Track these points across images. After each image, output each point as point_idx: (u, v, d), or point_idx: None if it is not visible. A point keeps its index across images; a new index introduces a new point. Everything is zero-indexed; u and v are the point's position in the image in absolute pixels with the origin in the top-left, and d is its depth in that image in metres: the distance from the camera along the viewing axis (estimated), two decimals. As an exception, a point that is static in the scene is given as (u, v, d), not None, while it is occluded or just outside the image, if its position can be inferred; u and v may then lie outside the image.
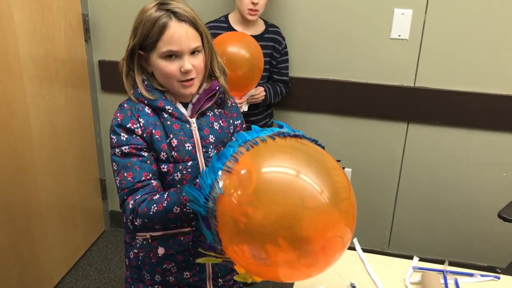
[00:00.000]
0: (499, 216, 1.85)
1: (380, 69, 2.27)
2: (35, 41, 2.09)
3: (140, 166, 1.24)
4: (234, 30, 2.11)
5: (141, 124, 1.25)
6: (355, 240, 1.49)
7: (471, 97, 2.22)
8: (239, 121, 1.44)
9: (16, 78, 2.00)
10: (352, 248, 1.48)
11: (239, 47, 1.93)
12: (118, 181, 1.25)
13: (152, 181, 1.24)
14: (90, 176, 2.68)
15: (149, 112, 1.27)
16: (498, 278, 1.37)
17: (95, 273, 2.53)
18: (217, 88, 1.34)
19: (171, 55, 1.23)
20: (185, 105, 1.32)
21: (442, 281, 1.34)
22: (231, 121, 1.41)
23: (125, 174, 1.23)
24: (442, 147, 2.34)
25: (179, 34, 1.22)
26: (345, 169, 2.44)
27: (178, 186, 1.29)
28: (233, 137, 1.03)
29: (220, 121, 1.36)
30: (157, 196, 1.19)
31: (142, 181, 1.23)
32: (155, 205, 1.17)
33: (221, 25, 2.13)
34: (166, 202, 1.16)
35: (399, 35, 2.20)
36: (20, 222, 2.12)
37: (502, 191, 2.31)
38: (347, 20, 2.23)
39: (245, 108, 2.04)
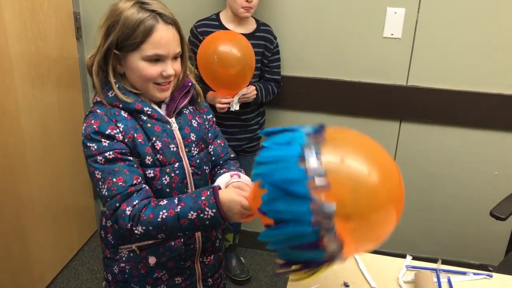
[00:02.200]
0: (491, 214, 1.85)
1: (372, 67, 2.27)
2: (26, 39, 2.07)
3: (129, 170, 1.16)
4: (225, 28, 2.10)
5: (121, 129, 1.18)
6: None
7: (463, 96, 2.22)
8: (211, 115, 1.43)
9: (7, 77, 1.98)
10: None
11: (231, 46, 1.92)
12: (105, 190, 1.14)
13: (144, 185, 1.18)
14: (82, 176, 2.65)
15: (126, 116, 1.20)
16: (491, 276, 1.38)
17: (87, 273, 2.51)
18: (190, 84, 1.32)
19: (155, 59, 1.19)
20: (158, 106, 1.29)
21: (435, 279, 1.34)
22: (204, 116, 1.39)
23: (114, 179, 1.14)
24: (434, 145, 2.35)
25: (167, 38, 1.18)
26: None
27: (187, 191, 1.27)
28: (257, 153, 0.98)
29: (196, 118, 1.35)
30: (165, 202, 1.14)
31: (135, 185, 1.15)
32: (164, 211, 1.12)
33: (212, 23, 2.12)
34: (180, 207, 1.11)
35: (392, 34, 2.20)
36: (12, 222, 2.10)
37: (494, 189, 2.32)
38: (340, 19, 2.23)
39: (236, 107, 2.03)
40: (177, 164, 1.26)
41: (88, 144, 1.17)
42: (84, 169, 2.67)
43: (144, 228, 1.12)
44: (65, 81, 2.40)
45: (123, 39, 1.17)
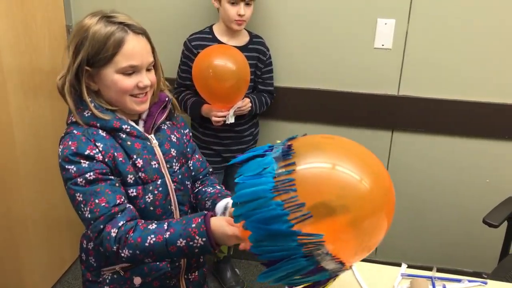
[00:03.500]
0: (484, 222, 1.87)
1: (364, 78, 2.30)
2: (19, 52, 2.07)
3: (111, 190, 1.13)
4: (218, 41, 2.12)
5: (100, 149, 1.15)
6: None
7: (453, 105, 2.25)
8: (187, 130, 1.42)
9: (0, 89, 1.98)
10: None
11: (226, 60, 1.94)
12: (88, 212, 1.11)
13: (128, 204, 1.15)
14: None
15: (104, 135, 1.17)
16: (485, 283, 1.39)
17: (80, 287, 2.49)
18: (167, 99, 1.31)
19: (130, 70, 1.17)
20: (136, 123, 1.26)
21: (431, 287, 1.35)
22: (182, 130, 1.39)
23: (97, 200, 1.11)
24: (426, 154, 2.37)
25: (139, 48, 1.17)
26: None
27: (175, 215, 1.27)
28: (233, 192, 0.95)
29: (175, 133, 1.34)
30: (154, 226, 1.11)
31: (119, 205, 1.12)
32: (152, 236, 1.09)
33: (206, 37, 2.13)
34: (168, 233, 1.09)
35: (383, 45, 2.23)
36: (3, 235, 2.09)
37: (486, 196, 2.33)
38: (331, 30, 2.26)
39: (231, 120, 2.05)
40: (159, 181, 1.24)
41: (66, 166, 1.14)
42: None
43: (131, 252, 1.10)
44: (57, 94, 2.37)
45: (94, 54, 1.15)
